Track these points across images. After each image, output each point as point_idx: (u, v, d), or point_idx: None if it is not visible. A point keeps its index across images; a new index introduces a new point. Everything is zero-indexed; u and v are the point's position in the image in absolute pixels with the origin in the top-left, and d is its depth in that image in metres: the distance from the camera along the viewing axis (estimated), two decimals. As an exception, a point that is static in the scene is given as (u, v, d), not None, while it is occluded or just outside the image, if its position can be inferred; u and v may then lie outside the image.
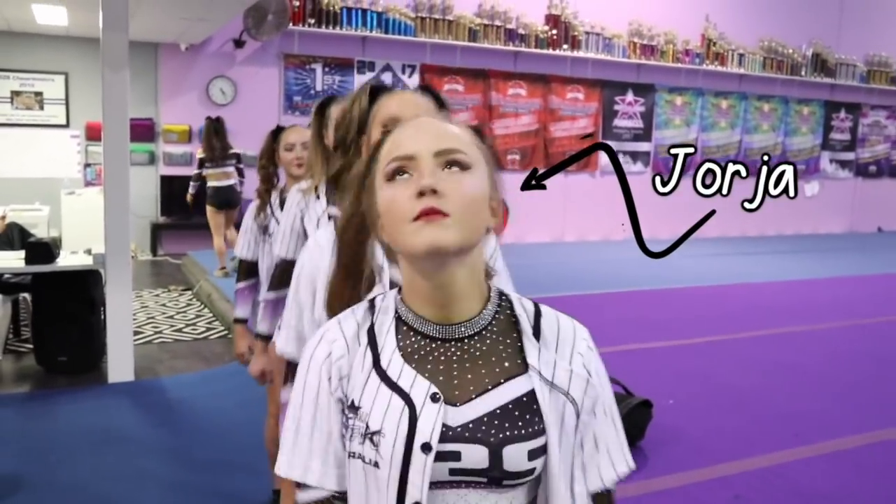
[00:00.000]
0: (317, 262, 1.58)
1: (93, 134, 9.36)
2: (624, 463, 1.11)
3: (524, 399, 1.01)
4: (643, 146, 12.83)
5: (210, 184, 8.09)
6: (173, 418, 4.38)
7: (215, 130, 8.11)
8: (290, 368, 1.68)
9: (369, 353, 1.04)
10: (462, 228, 0.98)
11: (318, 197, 2.38)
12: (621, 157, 12.65)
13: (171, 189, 9.69)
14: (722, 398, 4.69)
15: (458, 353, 1.04)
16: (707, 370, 5.23)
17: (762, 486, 3.47)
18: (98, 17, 5.00)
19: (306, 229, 2.39)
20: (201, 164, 8.11)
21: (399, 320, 1.07)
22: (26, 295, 5.72)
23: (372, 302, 1.11)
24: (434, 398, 0.99)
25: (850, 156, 15.09)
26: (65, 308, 5.06)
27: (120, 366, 4.92)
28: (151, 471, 3.60)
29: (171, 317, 6.73)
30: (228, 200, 8.16)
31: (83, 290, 5.14)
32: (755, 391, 4.85)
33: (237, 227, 8.07)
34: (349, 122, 1.69)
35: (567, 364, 1.05)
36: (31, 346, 5.28)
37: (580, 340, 1.09)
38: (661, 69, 12.76)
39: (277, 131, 3.15)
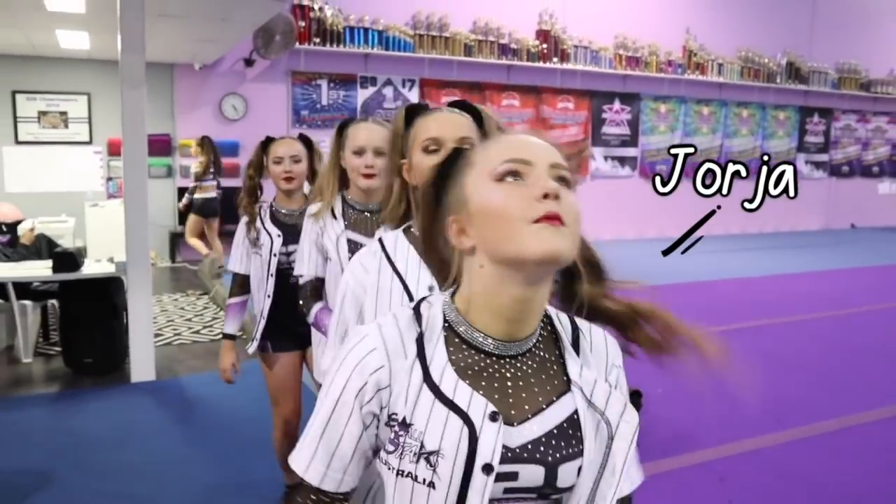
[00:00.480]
0: (362, 282, 1.47)
1: (114, 149, 9.36)
2: (637, 475, 1.09)
3: (574, 417, 0.96)
4: (630, 151, 12.82)
5: (197, 195, 8.39)
6: (192, 415, 4.38)
7: (213, 148, 8.54)
8: None
9: (418, 367, 0.95)
10: (574, 242, 0.92)
11: (334, 217, 2.27)
12: (610, 163, 12.65)
13: (188, 200, 9.71)
14: (707, 386, 4.68)
15: (512, 370, 0.96)
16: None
17: (745, 469, 3.47)
18: (117, 41, 5.01)
19: (325, 245, 2.27)
20: (200, 177, 8.41)
21: (450, 331, 0.98)
22: (54, 301, 5.71)
23: (417, 309, 1.00)
24: (493, 417, 0.91)
25: (824, 157, 15.07)
26: (90, 313, 5.06)
27: (142, 366, 4.92)
28: (173, 464, 3.60)
29: (189, 319, 6.72)
30: (214, 210, 8.52)
31: (107, 296, 5.14)
32: (739, 379, 4.84)
33: (221, 236, 8.48)
34: (393, 149, 1.55)
35: (604, 380, 1.01)
36: (59, 349, 5.29)
37: (614, 355, 1.06)
38: (646, 79, 12.74)
39: (266, 143, 2.92)
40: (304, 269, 2.33)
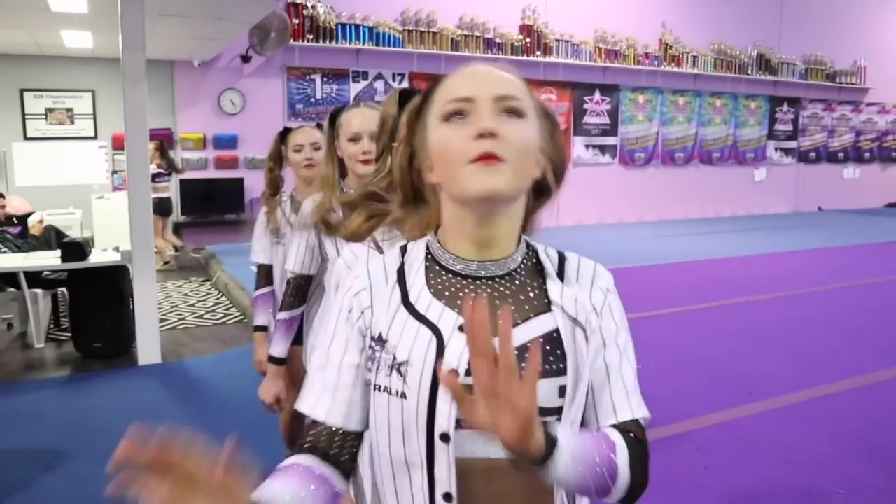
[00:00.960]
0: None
1: (118, 144, 9.28)
2: (640, 407, 0.97)
3: (554, 336, 0.92)
4: (610, 140, 12.81)
5: (153, 195, 8.21)
6: (196, 395, 4.37)
7: (167, 151, 8.47)
8: None
9: (398, 290, 0.96)
10: (515, 175, 0.89)
11: (334, 210, 2.06)
12: (591, 151, 12.64)
13: (189, 190, 9.64)
14: (685, 362, 4.71)
15: (489, 290, 0.94)
16: (671, 338, 5.24)
17: (721, 438, 3.49)
18: (119, 40, 4.95)
19: (324, 244, 2.10)
20: (158, 178, 8.25)
21: (431, 261, 0.98)
22: (63, 289, 5.69)
23: (404, 247, 1.01)
24: (462, 328, 0.89)
25: (792, 144, 15.11)
26: (98, 300, 5.03)
27: (148, 350, 4.91)
28: (179, 442, 3.59)
29: (193, 305, 6.70)
30: (167, 209, 8.49)
31: (113, 283, 5.11)
32: (714, 355, 4.86)
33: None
34: (383, 130, 1.52)
35: (587, 298, 0.97)
36: (69, 334, 5.26)
37: (600, 277, 1.01)
38: (625, 71, 12.72)
39: (285, 132, 2.81)
40: (290, 263, 2.16)
